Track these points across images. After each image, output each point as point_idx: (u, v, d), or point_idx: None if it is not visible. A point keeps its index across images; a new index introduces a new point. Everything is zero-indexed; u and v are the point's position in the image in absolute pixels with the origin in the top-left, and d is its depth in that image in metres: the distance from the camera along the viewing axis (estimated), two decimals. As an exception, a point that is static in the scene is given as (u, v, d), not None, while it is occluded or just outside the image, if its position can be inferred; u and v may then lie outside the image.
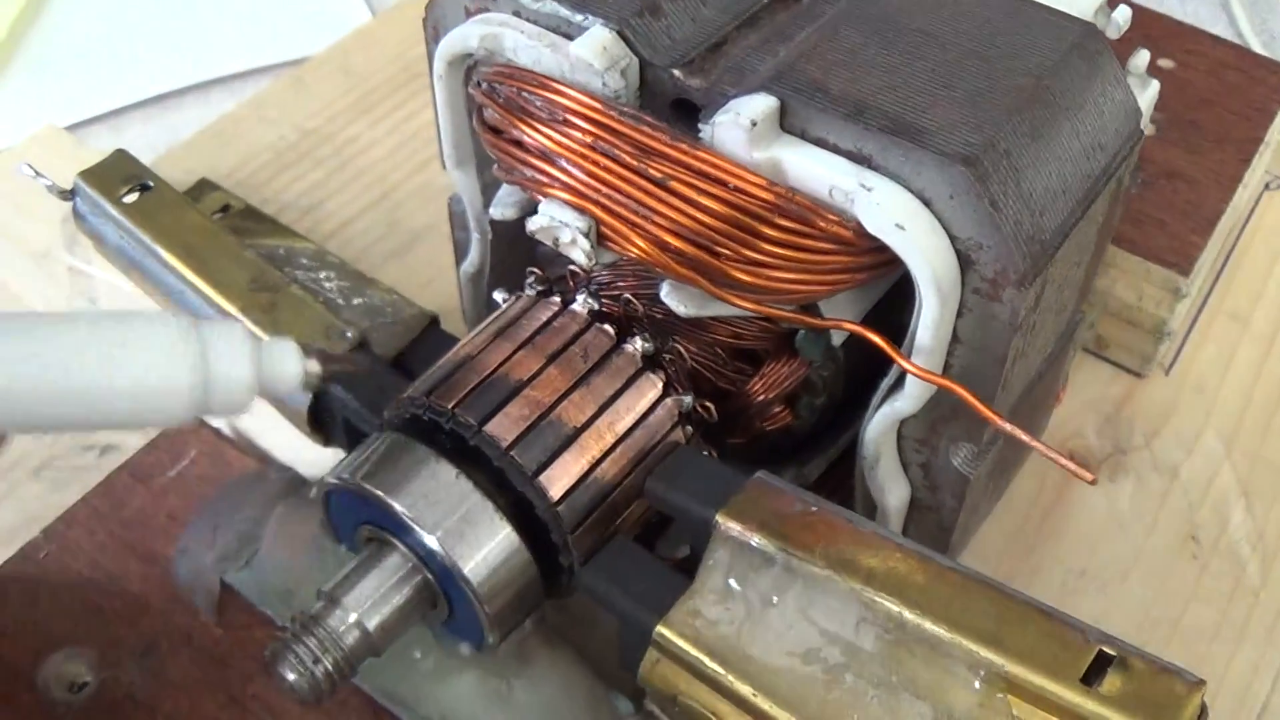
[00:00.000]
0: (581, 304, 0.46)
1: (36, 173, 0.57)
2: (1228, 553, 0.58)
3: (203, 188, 0.62)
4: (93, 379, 0.38)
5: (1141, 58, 0.48)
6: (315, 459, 0.53)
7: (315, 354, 0.43)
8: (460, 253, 0.56)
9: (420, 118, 0.73)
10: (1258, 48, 0.86)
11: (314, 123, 0.73)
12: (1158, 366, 0.63)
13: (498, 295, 0.48)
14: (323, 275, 0.54)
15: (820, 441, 0.51)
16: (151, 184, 0.56)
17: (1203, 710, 0.39)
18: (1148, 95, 0.48)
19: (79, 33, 0.87)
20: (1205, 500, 0.59)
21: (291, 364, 0.42)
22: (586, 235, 0.42)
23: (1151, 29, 0.69)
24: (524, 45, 0.44)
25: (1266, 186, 0.70)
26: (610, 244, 0.42)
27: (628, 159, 0.41)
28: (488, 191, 0.52)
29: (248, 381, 0.40)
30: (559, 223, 0.42)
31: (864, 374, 0.48)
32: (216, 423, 0.56)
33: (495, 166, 0.45)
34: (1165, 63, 0.67)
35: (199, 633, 0.50)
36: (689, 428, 0.46)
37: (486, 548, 0.42)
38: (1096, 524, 0.58)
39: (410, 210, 0.69)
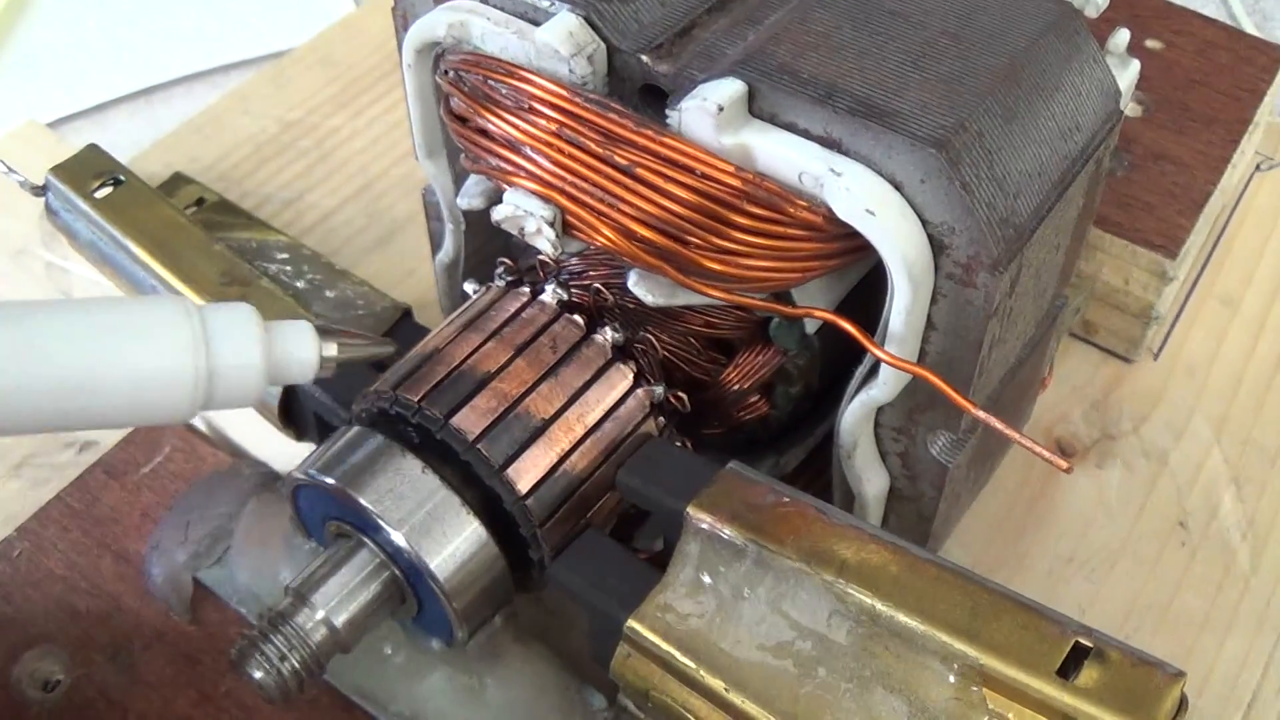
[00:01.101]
0: (550, 294, 0.45)
1: (9, 169, 0.56)
2: (1217, 540, 0.57)
3: (177, 181, 0.62)
4: (84, 370, 0.34)
5: (1121, 37, 0.47)
6: (290, 454, 0.52)
7: (335, 335, 0.39)
8: (436, 243, 0.55)
9: (402, 109, 0.72)
10: (1250, 28, 0.85)
11: (295, 115, 0.73)
12: (1146, 351, 0.62)
13: (468, 286, 0.47)
14: (295, 268, 0.53)
15: (798, 431, 0.50)
16: (123, 178, 0.56)
17: (1182, 702, 0.38)
18: (1128, 75, 0.47)
19: (61, 28, 0.87)
20: (1194, 486, 0.58)
21: (307, 348, 0.38)
22: (552, 224, 0.41)
23: (1139, 9, 0.68)
24: (491, 32, 0.44)
25: (1257, 168, 0.69)
26: (577, 233, 0.41)
27: (593, 146, 0.40)
28: (459, 181, 0.51)
29: (258, 368, 0.37)
30: (524, 212, 0.41)
31: (840, 362, 0.47)
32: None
33: (463, 156, 0.45)
34: (1153, 43, 0.66)
35: (172, 631, 0.49)
36: (661, 419, 0.45)
37: (454, 543, 0.41)
38: (1084, 511, 0.57)
39: (391, 201, 0.68)
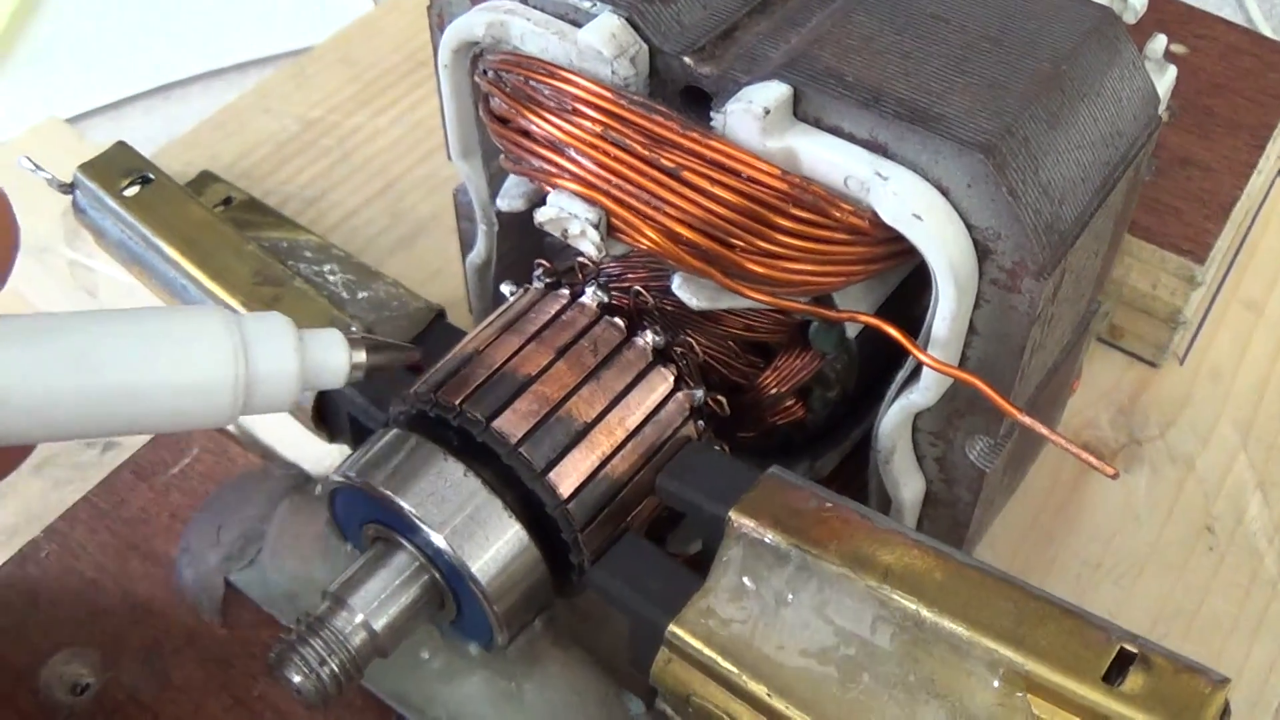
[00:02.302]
0: (591, 296, 0.45)
1: (36, 166, 0.56)
2: (1244, 544, 0.57)
3: (204, 180, 0.62)
4: (133, 379, 0.36)
5: (1159, 43, 0.47)
6: (320, 455, 0.52)
7: (363, 342, 0.41)
8: (466, 244, 0.55)
9: (424, 107, 0.73)
10: (1267, 31, 0.85)
11: (316, 113, 0.73)
12: (1172, 355, 0.62)
13: (505, 288, 0.47)
14: (326, 269, 0.53)
15: (833, 435, 0.50)
16: (152, 176, 0.55)
17: (1225, 709, 0.38)
18: (1165, 81, 0.47)
19: (79, 24, 0.87)
20: (1221, 491, 0.58)
21: (338, 355, 0.40)
22: (596, 227, 0.41)
23: (1163, 12, 0.68)
24: (531, 32, 0.44)
25: (1279, 173, 0.69)
26: (621, 235, 0.41)
27: (638, 149, 0.40)
28: (494, 182, 0.51)
29: (294, 375, 0.38)
30: (568, 214, 0.41)
31: (878, 366, 0.47)
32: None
33: (502, 157, 0.44)
34: (1177, 47, 0.66)
35: (203, 633, 0.49)
36: (700, 422, 0.45)
37: (495, 546, 0.41)
38: (1112, 516, 0.57)
39: (415, 201, 0.68)
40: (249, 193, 0.65)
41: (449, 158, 0.51)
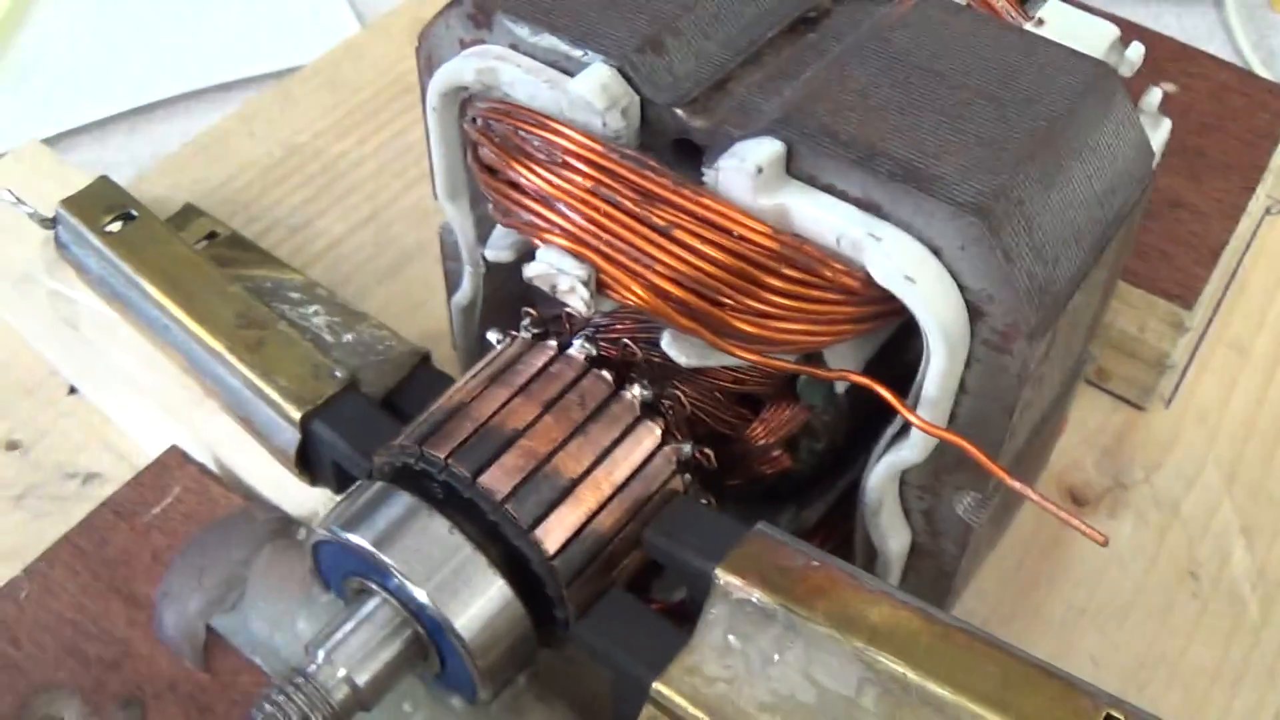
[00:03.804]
0: (578, 349, 0.44)
1: (18, 200, 0.55)
2: (1228, 590, 0.57)
3: (188, 214, 0.61)
4: None
5: (1155, 96, 0.47)
6: (303, 498, 0.52)
7: None
8: (451, 284, 0.54)
9: (411, 133, 0.72)
10: (1256, 65, 0.85)
11: (302, 138, 0.72)
12: (1158, 398, 0.62)
13: (491, 336, 0.47)
14: (311, 310, 0.52)
15: (820, 484, 0.50)
16: (135, 213, 0.55)
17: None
18: (1160, 134, 0.47)
19: (62, 42, 0.86)
20: (1205, 536, 0.58)
21: None
22: (586, 284, 0.40)
23: (1153, 50, 0.67)
24: (520, 80, 0.43)
25: (1267, 211, 0.69)
26: (610, 292, 0.41)
27: (630, 205, 0.40)
28: (481, 225, 0.50)
29: None
30: (557, 270, 0.41)
31: (865, 418, 0.47)
32: (201, 457, 0.55)
33: (490, 207, 0.44)
34: (1167, 86, 0.66)
35: (184, 679, 0.49)
36: (688, 475, 0.45)
37: (479, 602, 0.41)
38: (1097, 562, 0.57)
39: (401, 230, 0.68)
40: (233, 219, 0.65)
41: (435, 198, 0.50)
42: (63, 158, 0.69)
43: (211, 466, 0.55)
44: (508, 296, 0.52)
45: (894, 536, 0.47)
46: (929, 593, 0.49)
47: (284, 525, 0.50)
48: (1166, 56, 0.68)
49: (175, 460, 0.54)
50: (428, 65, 0.47)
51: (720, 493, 0.47)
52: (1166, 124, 0.47)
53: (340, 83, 0.75)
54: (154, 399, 0.56)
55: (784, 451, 0.47)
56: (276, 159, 0.71)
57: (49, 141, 0.75)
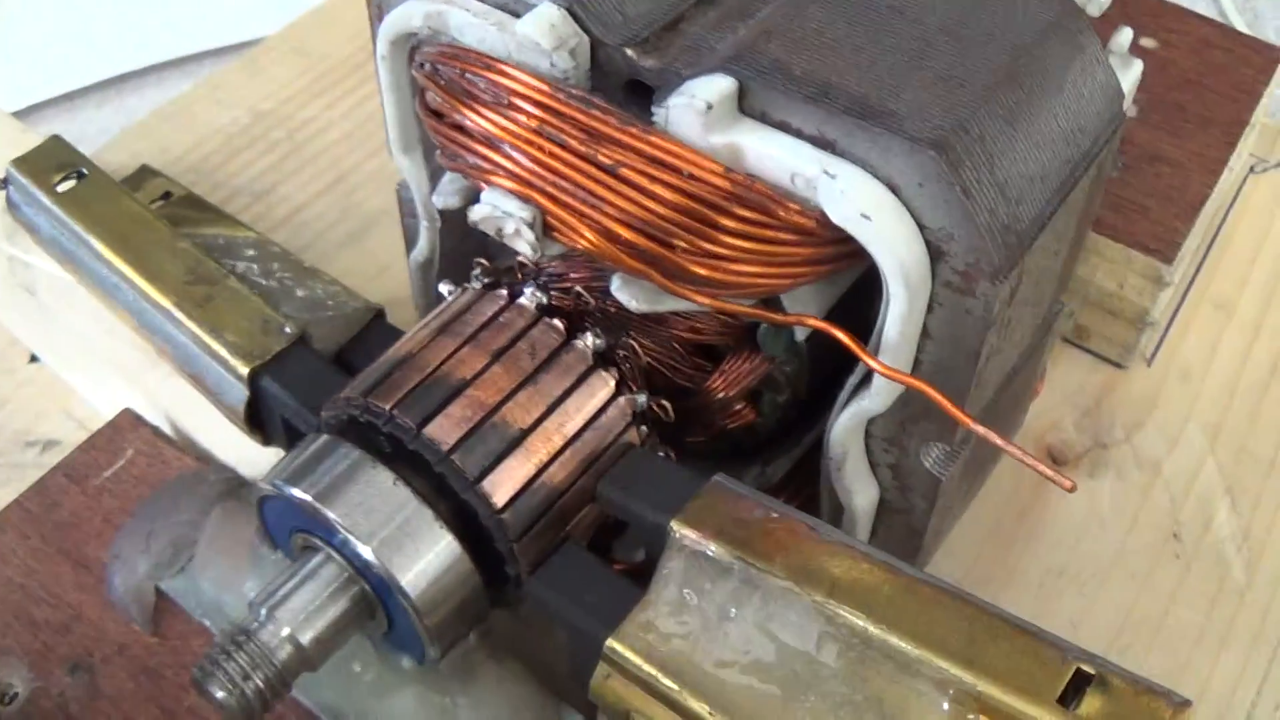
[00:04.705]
0: (529, 298, 0.43)
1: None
2: (1212, 551, 0.55)
3: (143, 174, 0.60)
4: None
5: (1124, 36, 0.46)
6: (257, 458, 0.50)
7: None
8: (409, 241, 0.53)
9: (377, 100, 0.70)
10: (1240, 24, 0.84)
11: (268, 105, 0.71)
12: (1140, 357, 0.61)
13: (444, 288, 0.45)
14: (263, 266, 0.51)
15: (784, 440, 0.48)
16: (86, 171, 0.54)
17: (1187, 731, 0.37)
18: (1131, 76, 0.46)
19: (29, 14, 0.84)
20: (1188, 497, 0.57)
21: None
22: (531, 226, 0.39)
23: (1133, 7, 0.67)
24: (469, 24, 0.42)
25: (1251, 169, 0.68)
26: (557, 235, 0.40)
27: (575, 145, 0.39)
28: (435, 177, 0.49)
29: None
30: (502, 212, 0.39)
31: (829, 369, 0.45)
32: (156, 420, 0.54)
33: (438, 152, 0.43)
34: (1148, 42, 0.65)
35: (134, 643, 0.47)
36: (644, 428, 0.43)
37: (425, 558, 0.40)
38: (1076, 522, 0.56)
39: (366, 195, 0.66)
40: (196, 186, 0.63)
41: (389, 153, 0.49)
42: (33, 130, 0.68)
43: (167, 430, 0.53)
44: (465, 253, 0.51)
45: (860, 491, 0.45)
46: (899, 550, 0.48)
47: (234, 486, 0.49)
48: (1147, 12, 0.66)
49: (128, 423, 0.53)
50: (378, 12, 0.46)
51: (682, 449, 0.46)
52: (1138, 65, 0.45)
53: (308, 50, 0.74)
54: (110, 363, 0.55)
55: (747, 405, 0.46)
56: (242, 126, 0.70)
57: (19, 115, 0.74)
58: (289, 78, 0.72)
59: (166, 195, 0.58)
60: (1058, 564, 0.55)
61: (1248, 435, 0.59)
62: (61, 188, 0.53)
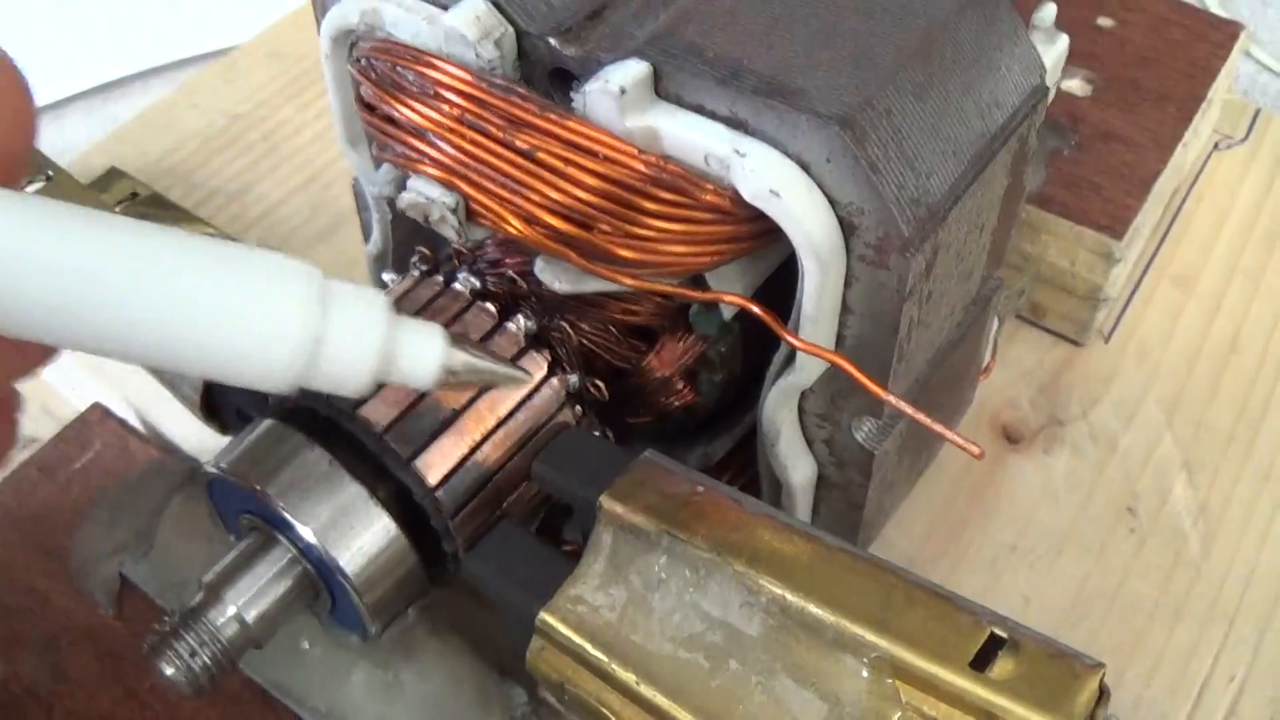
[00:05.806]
0: (462, 282, 0.44)
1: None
2: (1168, 525, 0.56)
3: (111, 176, 0.61)
4: (191, 299, 0.30)
5: (1048, 11, 0.47)
6: (216, 447, 0.51)
7: (468, 347, 0.35)
8: (366, 234, 0.54)
9: (349, 99, 0.72)
10: (1215, 7, 0.84)
11: (244, 108, 0.72)
12: (1097, 334, 0.61)
13: (386, 277, 0.47)
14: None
15: (726, 419, 0.49)
16: (52, 174, 0.55)
17: (1102, 693, 0.37)
18: (1055, 50, 0.46)
19: (14, 25, 0.86)
20: (1145, 471, 0.57)
21: (432, 352, 0.34)
22: (454, 212, 0.40)
23: (1094, -12, 0.67)
24: (402, 19, 0.43)
25: (1215, 146, 0.68)
26: (482, 220, 0.41)
27: (495, 132, 0.40)
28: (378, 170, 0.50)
29: (372, 352, 0.33)
30: (426, 199, 0.41)
31: (765, 348, 0.46)
32: (123, 413, 0.55)
33: (373, 145, 0.44)
34: (1105, 21, 0.65)
35: (99, 627, 0.49)
36: (580, 408, 0.45)
37: (362, 538, 0.41)
38: (1030, 498, 0.56)
39: (337, 193, 0.68)
40: (173, 189, 0.65)
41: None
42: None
43: (135, 423, 0.55)
44: (416, 245, 0.52)
45: (796, 467, 0.46)
46: (840, 526, 0.49)
47: (195, 473, 0.51)
48: (1107, -8, 0.67)
49: (96, 416, 0.54)
50: (321, 10, 0.47)
51: (624, 429, 0.47)
52: (1063, 39, 0.46)
53: (284, 53, 0.75)
54: (78, 356, 0.56)
55: (686, 385, 0.47)
56: (219, 129, 0.71)
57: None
58: (264, 81, 0.73)
59: (134, 195, 0.59)
60: (1010, 539, 0.55)
61: (1206, 409, 0.59)
62: (30, 189, 0.55)
